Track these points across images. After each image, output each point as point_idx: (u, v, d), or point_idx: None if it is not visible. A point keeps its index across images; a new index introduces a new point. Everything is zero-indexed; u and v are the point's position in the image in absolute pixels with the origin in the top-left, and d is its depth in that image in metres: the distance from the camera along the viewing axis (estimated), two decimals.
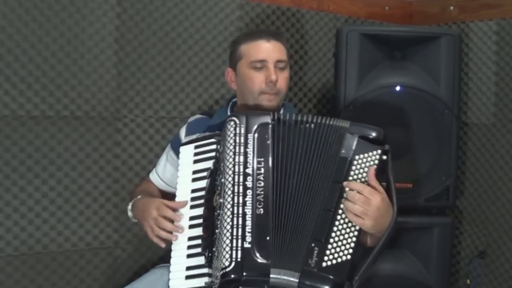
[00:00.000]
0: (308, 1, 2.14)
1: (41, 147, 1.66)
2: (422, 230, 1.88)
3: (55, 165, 1.69)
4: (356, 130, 1.28)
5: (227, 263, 1.16)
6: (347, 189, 1.21)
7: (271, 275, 1.16)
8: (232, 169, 1.24)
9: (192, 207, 1.35)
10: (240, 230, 1.18)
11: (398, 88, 1.83)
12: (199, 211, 1.31)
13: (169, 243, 1.36)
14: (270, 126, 1.29)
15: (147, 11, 1.81)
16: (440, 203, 1.89)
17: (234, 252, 1.16)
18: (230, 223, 1.19)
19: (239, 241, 1.17)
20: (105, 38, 1.73)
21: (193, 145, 1.41)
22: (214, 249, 1.23)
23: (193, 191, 1.36)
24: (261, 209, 1.21)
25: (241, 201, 1.21)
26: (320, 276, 1.15)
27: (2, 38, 1.58)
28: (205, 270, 1.26)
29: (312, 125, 1.29)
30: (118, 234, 1.80)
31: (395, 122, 1.79)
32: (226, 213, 1.21)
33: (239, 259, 1.16)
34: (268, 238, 1.19)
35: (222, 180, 1.25)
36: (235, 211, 1.20)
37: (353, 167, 1.24)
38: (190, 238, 1.32)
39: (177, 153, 1.47)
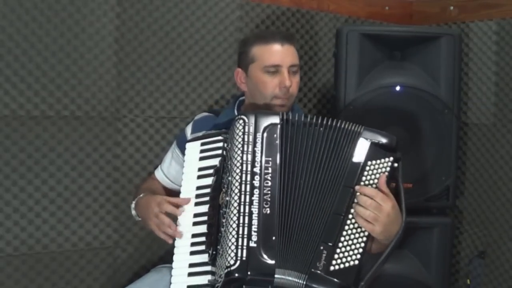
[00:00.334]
0: (308, 1, 2.14)
1: (41, 147, 1.66)
2: (422, 230, 1.88)
3: (55, 165, 1.69)
4: (369, 135, 1.27)
5: (232, 262, 1.15)
6: (358, 194, 1.21)
7: (276, 275, 1.16)
8: (240, 167, 1.24)
9: (196, 204, 1.35)
10: (246, 229, 1.18)
11: (398, 88, 1.83)
12: (204, 208, 1.31)
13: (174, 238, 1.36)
14: (279, 126, 1.28)
15: (147, 11, 1.81)
16: (440, 203, 1.89)
17: (239, 250, 1.16)
18: (236, 222, 1.19)
19: (245, 240, 1.17)
20: (105, 38, 1.73)
21: (199, 142, 1.41)
22: (218, 247, 1.23)
23: (198, 188, 1.36)
24: (268, 209, 1.21)
25: (248, 200, 1.21)
26: (327, 280, 1.15)
27: (2, 38, 1.58)
28: (208, 268, 1.26)
29: (322, 128, 1.29)
30: (118, 234, 1.80)
31: (395, 122, 1.79)
32: (232, 212, 1.21)
33: (244, 258, 1.16)
34: (274, 238, 1.19)
35: (229, 178, 1.25)
36: (242, 210, 1.20)
37: (365, 173, 1.24)
38: (193, 235, 1.32)
39: (182, 150, 1.47)
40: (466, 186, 2.11)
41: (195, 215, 1.33)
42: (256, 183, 1.23)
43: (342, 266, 1.17)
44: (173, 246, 1.35)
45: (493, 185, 2.00)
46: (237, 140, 1.27)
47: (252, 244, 1.17)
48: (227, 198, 1.24)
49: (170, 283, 1.31)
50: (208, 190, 1.32)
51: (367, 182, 1.24)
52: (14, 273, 1.63)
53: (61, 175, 1.70)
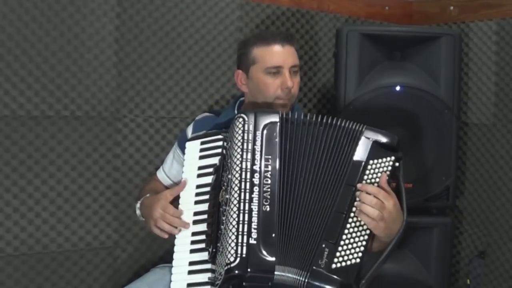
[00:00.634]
0: (308, 1, 2.14)
1: (41, 147, 1.66)
2: (422, 230, 1.88)
3: (55, 165, 1.69)
4: (371, 134, 1.28)
5: (232, 259, 1.16)
6: (358, 193, 1.21)
7: (275, 272, 1.17)
8: (240, 165, 1.24)
9: (196, 202, 1.35)
10: (246, 226, 1.19)
11: (398, 88, 1.83)
12: (204, 206, 1.32)
13: (171, 236, 1.36)
14: (278, 124, 1.29)
15: (147, 11, 1.81)
16: (440, 203, 1.89)
17: (239, 248, 1.17)
18: (236, 219, 1.19)
19: (245, 237, 1.18)
20: (105, 38, 1.73)
21: (199, 141, 1.41)
22: (218, 244, 1.23)
23: (198, 186, 1.36)
24: (268, 206, 1.22)
25: (247, 197, 1.22)
26: (328, 278, 1.16)
27: (2, 38, 1.58)
28: (208, 266, 1.26)
29: (321, 126, 1.29)
30: (118, 234, 1.80)
31: (395, 122, 1.79)
32: (232, 209, 1.21)
33: (244, 255, 1.16)
34: (274, 235, 1.19)
35: (229, 176, 1.26)
36: (242, 207, 1.20)
37: (367, 171, 1.24)
38: (193, 234, 1.32)
39: (183, 150, 1.47)
40: (466, 186, 2.11)
41: (195, 214, 1.34)
42: (256, 180, 1.23)
43: (343, 264, 1.17)
44: (173, 246, 1.35)
45: (493, 185, 2.00)
46: (236, 138, 1.27)
47: (252, 241, 1.18)
48: (227, 196, 1.24)
49: (171, 281, 1.31)
50: (208, 189, 1.33)
51: (368, 181, 1.24)
52: (14, 273, 1.63)
53: (61, 175, 1.70)
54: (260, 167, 1.25)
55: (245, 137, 1.27)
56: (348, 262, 1.17)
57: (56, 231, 1.70)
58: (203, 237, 1.28)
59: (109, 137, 1.77)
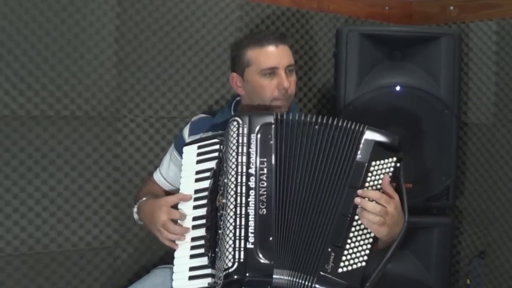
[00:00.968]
0: (308, 1, 2.14)
1: (41, 147, 1.66)
2: (422, 230, 1.88)
3: (55, 165, 1.69)
4: (372, 135, 1.26)
5: (230, 264, 1.16)
6: (359, 199, 1.20)
7: (274, 276, 1.16)
8: (235, 169, 1.23)
9: (195, 207, 1.34)
10: (243, 230, 1.18)
11: (398, 88, 1.83)
12: (202, 211, 1.31)
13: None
14: (273, 126, 1.27)
15: (147, 11, 1.81)
16: (440, 203, 1.89)
17: (237, 252, 1.16)
18: (233, 224, 1.19)
19: (242, 241, 1.17)
20: (105, 38, 1.73)
21: (196, 145, 1.40)
22: (217, 249, 1.23)
23: (196, 191, 1.35)
24: (264, 210, 1.21)
25: (244, 201, 1.21)
26: (335, 282, 1.15)
27: (2, 38, 1.58)
28: (208, 271, 1.25)
29: (317, 126, 1.28)
30: (118, 234, 1.80)
31: (395, 122, 1.78)
32: (229, 214, 1.20)
33: (242, 260, 1.16)
34: (271, 238, 1.19)
35: (225, 180, 1.25)
36: (238, 212, 1.20)
37: (369, 173, 1.23)
38: (193, 239, 1.31)
39: (180, 152, 1.47)
40: (466, 186, 2.11)
41: (194, 219, 1.33)
42: (252, 184, 1.22)
43: (349, 268, 1.16)
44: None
45: (493, 185, 2.00)
46: (231, 142, 1.27)
47: (249, 246, 1.17)
48: (224, 200, 1.23)
49: (171, 287, 1.31)
50: (206, 193, 1.32)
51: (371, 183, 1.23)
52: (14, 273, 1.63)
53: (61, 175, 1.70)
54: (255, 170, 1.24)
55: (240, 141, 1.26)
56: (354, 266, 1.17)
57: (56, 231, 1.70)
58: (202, 242, 1.28)
59: (109, 137, 1.77)
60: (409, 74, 1.85)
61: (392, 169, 1.24)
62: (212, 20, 1.92)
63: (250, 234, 1.18)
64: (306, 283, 1.16)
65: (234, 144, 1.26)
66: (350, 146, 1.26)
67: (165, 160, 1.67)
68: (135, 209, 1.52)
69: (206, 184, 1.33)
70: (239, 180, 1.23)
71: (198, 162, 1.38)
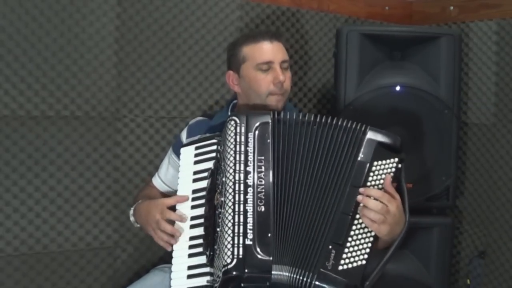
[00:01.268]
0: (308, 1, 2.14)
1: (41, 147, 1.66)
2: (422, 230, 1.88)
3: (55, 165, 1.69)
4: (375, 135, 1.27)
5: (229, 260, 1.16)
6: (360, 197, 1.21)
7: (273, 272, 1.17)
8: (233, 167, 1.24)
9: (193, 207, 1.35)
10: (241, 227, 1.19)
11: (398, 88, 1.83)
12: (200, 211, 1.32)
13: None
14: (270, 124, 1.29)
15: (147, 11, 1.81)
16: (440, 203, 1.89)
17: (235, 249, 1.16)
18: (232, 221, 1.19)
19: (241, 238, 1.18)
20: (105, 38, 1.73)
21: (193, 146, 1.41)
22: (215, 247, 1.23)
23: (194, 191, 1.36)
24: (262, 207, 1.21)
25: (242, 198, 1.21)
26: (335, 279, 1.16)
27: (2, 38, 1.58)
28: (206, 269, 1.26)
29: (316, 126, 1.28)
30: (118, 234, 1.80)
31: (395, 122, 1.79)
32: (227, 211, 1.21)
33: (240, 256, 1.16)
34: (269, 235, 1.19)
35: (223, 179, 1.26)
36: (236, 209, 1.20)
37: (371, 173, 1.24)
38: (191, 238, 1.32)
39: (178, 155, 1.47)
40: (466, 186, 2.11)
41: (192, 218, 1.34)
42: (250, 181, 1.23)
43: (350, 266, 1.17)
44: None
45: (493, 185, 2.00)
46: (229, 141, 1.27)
47: (248, 242, 1.17)
48: (222, 199, 1.24)
49: (170, 286, 1.31)
50: (204, 193, 1.32)
51: (373, 183, 1.23)
52: (14, 273, 1.63)
53: (61, 175, 1.70)
54: (253, 168, 1.24)
55: (238, 139, 1.27)
56: (354, 264, 1.17)
57: (56, 231, 1.70)
58: (200, 241, 1.28)
59: (109, 137, 1.77)
60: (409, 74, 1.85)
61: (393, 169, 1.25)
62: (212, 20, 1.92)
63: (248, 231, 1.18)
64: (306, 279, 1.17)
65: (231, 143, 1.27)
66: (352, 146, 1.27)
67: (164, 164, 1.67)
68: (131, 212, 1.52)
69: (204, 184, 1.33)
70: (237, 178, 1.23)
71: (196, 162, 1.38)
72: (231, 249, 1.16)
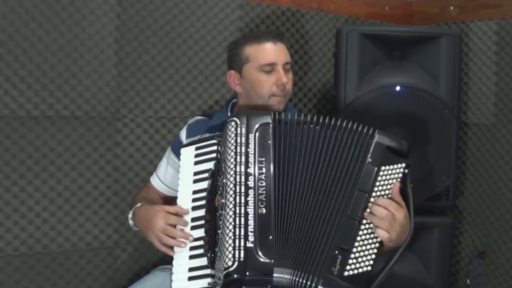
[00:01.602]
0: (308, 1, 2.14)
1: (41, 147, 1.66)
2: (422, 230, 1.88)
3: (55, 165, 1.69)
4: (383, 139, 1.25)
5: (230, 263, 1.15)
6: (371, 203, 1.20)
7: (274, 274, 1.16)
8: (234, 169, 1.23)
9: (193, 208, 1.34)
10: (242, 229, 1.18)
11: (398, 88, 1.83)
12: (201, 212, 1.31)
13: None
14: (271, 125, 1.28)
15: (147, 11, 1.81)
16: (440, 203, 1.89)
17: (236, 251, 1.16)
18: (233, 223, 1.19)
19: (242, 240, 1.17)
20: (105, 38, 1.73)
21: (193, 146, 1.40)
22: (216, 249, 1.22)
23: (195, 192, 1.35)
24: (264, 209, 1.21)
25: (243, 200, 1.21)
26: (341, 285, 1.15)
27: (2, 38, 1.58)
28: (207, 271, 1.25)
29: (318, 126, 1.27)
30: (118, 234, 1.80)
31: (395, 122, 1.79)
32: (228, 213, 1.20)
33: (242, 259, 1.15)
34: (271, 237, 1.18)
35: (224, 180, 1.25)
36: (237, 211, 1.20)
37: (379, 178, 1.22)
38: (192, 240, 1.31)
39: (178, 155, 1.47)
40: (466, 186, 2.11)
41: (193, 220, 1.33)
42: (251, 183, 1.22)
43: (355, 271, 1.16)
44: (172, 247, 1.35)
45: (493, 185, 2.00)
46: (229, 142, 1.27)
47: (249, 245, 1.17)
48: (223, 200, 1.23)
49: None
50: (204, 194, 1.31)
51: (380, 188, 1.22)
52: (14, 273, 1.63)
53: (61, 175, 1.70)
54: (254, 170, 1.24)
55: (238, 141, 1.26)
56: (360, 270, 1.17)
57: (56, 231, 1.70)
58: (201, 242, 1.27)
59: (109, 137, 1.77)
60: (409, 74, 1.85)
61: (400, 174, 1.23)
62: (212, 20, 1.92)
63: (249, 233, 1.18)
64: (310, 283, 1.16)
65: (232, 144, 1.26)
66: (359, 149, 1.25)
67: (162, 164, 1.66)
68: (130, 215, 1.51)
69: (204, 185, 1.33)
70: (237, 180, 1.23)
71: (196, 163, 1.38)
72: (232, 252, 1.16)
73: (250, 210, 1.20)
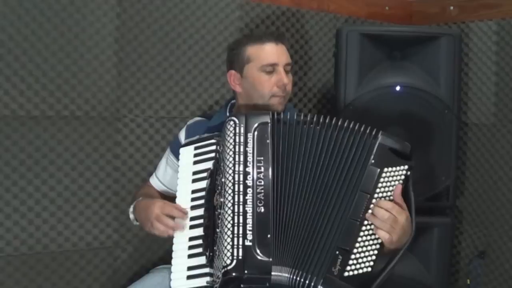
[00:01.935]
0: (308, 1, 2.14)
1: (41, 147, 1.66)
2: (422, 230, 1.88)
3: (55, 165, 1.69)
4: (386, 141, 1.25)
5: (228, 261, 1.16)
6: (374, 205, 1.20)
7: (273, 273, 1.17)
8: (232, 168, 1.24)
9: (192, 207, 1.34)
10: (241, 228, 1.18)
11: (398, 88, 1.83)
12: (200, 211, 1.31)
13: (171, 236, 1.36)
14: (269, 125, 1.28)
15: (147, 11, 1.81)
16: (440, 203, 1.89)
17: (235, 250, 1.16)
18: (231, 222, 1.19)
19: (240, 239, 1.17)
20: (105, 38, 1.73)
21: (192, 146, 1.41)
22: (215, 248, 1.23)
23: (194, 191, 1.36)
24: (262, 207, 1.21)
25: (241, 199, 1.21)
26: (341, 286, 1.15)
27: (2, 38, 1.58)
28: (206, 270, 1.26)
29: (318, 126, 1.28)
30: (118, 234, 1.80)
31: (394, 122, 1.79)
32: (227, 212, 1.21)
33: (240, 257, 1.16)
34: (269, 235, 1.19)
35: (223, 179, 1.25)
36: (236, 210, 1.20)
37: (381, 179, 1.22)
38: (191, 238, 1.32)
39: (176, 156, 1.47)
40: (466, 186, 2.11)
41: (192, 219, 1.33)
42: (249, 182, 1.23)
43: (356, 272, 1.17)
44: (172, 246, 1.35)
45: (493, 185, 2.00)
46: (228, 142, 1.27)
47: (247, 243, 1.17)
48: (221, 199, 1.24)
49: (170, 287, 1.31)
50: (203, 193, 1.32)
51: (382, 189, 1.22)
52: (14, 273, 1.63)
53: (61, 175, 1.70)
54: (252, 169, 1.24)
55: (237, 140, 1.26)
56: (360, 271, 1.17)
57: (56, 231, 1.70)
58: (200, 241, 1.28)
59: (109, 137, 1.77)
60: (409, 74, 1.85)
61: (403, 177, 1.23)
62: (212, 20, 1.92)
63: (248, 232, 1.18)
64: (309, 282, 1.17)
65: (231, 143, 1.26)
66: (361, 150, 1.25)
67: (161, 164, 1.67)
68: (131, 209, 1.53)
69: (203, 184, 1.33)
70: (236, 179, 1.23)
71: (195, 162, 1.38)
72: (230, 250, 1.16)
73: (249, 209, 1.20)
